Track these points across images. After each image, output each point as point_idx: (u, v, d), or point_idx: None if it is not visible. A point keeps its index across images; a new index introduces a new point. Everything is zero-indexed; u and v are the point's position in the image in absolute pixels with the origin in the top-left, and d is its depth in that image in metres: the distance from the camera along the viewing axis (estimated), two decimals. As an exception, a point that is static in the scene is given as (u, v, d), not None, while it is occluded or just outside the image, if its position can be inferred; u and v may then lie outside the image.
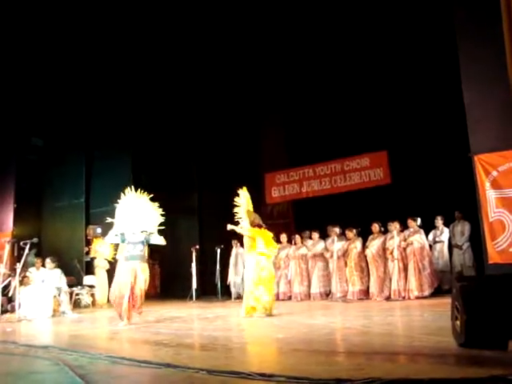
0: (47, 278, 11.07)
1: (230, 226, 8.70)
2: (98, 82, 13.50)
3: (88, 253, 14.19)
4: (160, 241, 8.08)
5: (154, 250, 13.10)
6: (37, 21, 11.06)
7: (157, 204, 8.25)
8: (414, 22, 10.65)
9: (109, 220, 8.25)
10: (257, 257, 8.23)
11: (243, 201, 8.87)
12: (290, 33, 11.61)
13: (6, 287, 10.60)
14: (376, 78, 11.86)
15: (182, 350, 4.93)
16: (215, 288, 12.81)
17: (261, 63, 12.61)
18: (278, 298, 11.89)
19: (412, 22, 10.68)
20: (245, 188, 9.04)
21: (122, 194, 8.23)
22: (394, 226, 10.27)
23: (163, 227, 8.22)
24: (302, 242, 11.94)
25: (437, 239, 10.53)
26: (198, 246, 13.22)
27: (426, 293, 9.83)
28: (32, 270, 11.39)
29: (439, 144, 10.90)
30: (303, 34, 11.55)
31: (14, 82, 12.99)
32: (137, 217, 7.97)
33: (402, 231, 10.35)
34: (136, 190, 8.23)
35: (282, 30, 11.54)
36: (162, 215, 8.23)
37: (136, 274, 7.56)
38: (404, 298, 9.90)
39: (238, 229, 8.65)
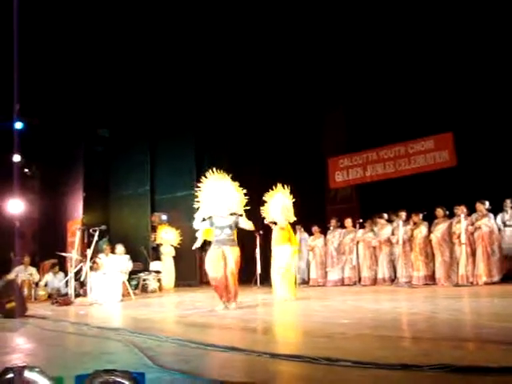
0: (116, 263, 11.46)
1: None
2: (159, 71, 13.71)
3: (154, 239, 14.56)
4: (248, 225, 7.79)
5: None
6: (99, 16, 11.33)
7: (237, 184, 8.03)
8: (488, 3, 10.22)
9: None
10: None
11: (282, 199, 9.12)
12: (351, 15, 11.39)
13: (78, 272, 11.06)
14: (440, 57, 11.49)
15: (247, 334, 5.00)
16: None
17: (322, 46, 12.43)
18: (342, 283, 11.88)
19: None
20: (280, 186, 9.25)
21: (204, 177, 8.02)
22: (461, 210, 9.99)
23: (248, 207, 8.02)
24: (371, 226, 11.83)
25: (508, 223, 10.13)
26: (261, 232, 13.29)
27: (496, 278, 9.53)
28: (101, 256, 11.82)
29: (507, 124, 10.47)
30: (365, 15, 11.30)
31: (80, 77, 13.39)
32: (223, 199, 7.71)
33: (469, 215, 10.05)
34: (199, 178, 8.26)
35: (342, 14, 11.34)
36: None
37: (225, 257, 7.36)
38: (472, 283, 9.64)
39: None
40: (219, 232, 7.48)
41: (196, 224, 7.86)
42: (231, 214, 7.60)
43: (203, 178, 8.04)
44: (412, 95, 12.13)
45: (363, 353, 3.52)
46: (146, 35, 12.14)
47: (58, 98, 14.29)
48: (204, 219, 7.74)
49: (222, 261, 7.32)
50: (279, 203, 9.09)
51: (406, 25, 11.29)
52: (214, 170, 8.02)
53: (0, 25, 10.05)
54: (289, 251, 8.91)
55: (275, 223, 9.09)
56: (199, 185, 8.01)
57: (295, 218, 9.28)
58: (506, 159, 10.45)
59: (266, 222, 9.21)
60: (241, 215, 7.77)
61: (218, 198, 7.72)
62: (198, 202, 7.89)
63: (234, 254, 7.39)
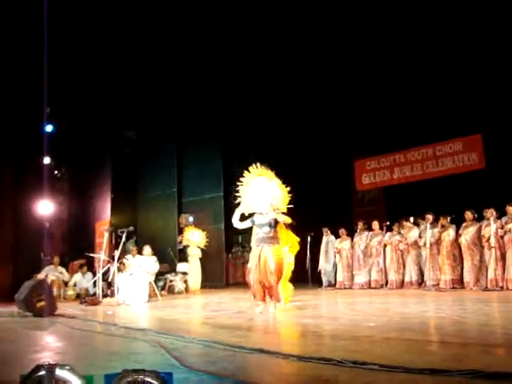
0: (143, 264, 11.56)
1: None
2: (187, 74, 13.80)
3: (181, 241, 14.63)
4: (286, 219, 7.38)
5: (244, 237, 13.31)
6: (128, 21, 11.47)
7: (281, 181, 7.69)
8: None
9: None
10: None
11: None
12: (375, 19, 11.34)
13: (106, 273, 11.19)
14: (468, 58, 11.32)
15: (274, 336, 4.99)
16: (306, 275, 12.82)
17: (343, 50, 12.37)
18: (369, 286, 11.79)
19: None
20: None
21: (247, 172, 7.71)
22: (491, 213, 9.82)
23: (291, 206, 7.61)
24: (398, 229, 11.70)
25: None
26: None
27: (526, 283, 9.34)
28: (128, 257, 11.94)
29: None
30: (390, 16, 11.23)
31: (108, 80, 13.56)
32: (263, 196, 7.37)
33: (498, 218, 9.87)
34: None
35: (365, 20, 11.32)
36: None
37: (265, 258, 6.98)
38: (502, 288, 9.46)
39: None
40: (258, 230, 7.22)
41: (235, 222, 7.54)
42: (271, 210, 7.24)
43: (246, 172, 7.74)
44: (441, 96, 11.98)
45: (390, 356, 3.50)
46: (175, 39, 12.24)
47: (86, 101, 14.50)
48: (244, 216, 7.46)
49: (259, 260, 6.98)
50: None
51: (436, 26, 11.16)
52: (258, 164, 7.75)
53: (30, 30, 10.27)
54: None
55: None
56: (240, 179, 7.73)
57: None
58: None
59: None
60: (282, 212, 7.41)
61: (259, 194, 7.44)
62: (238, 197, 7.64)
63: (273, 253, 7.03)
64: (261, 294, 7.08)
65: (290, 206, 7.63)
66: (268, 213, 7.21)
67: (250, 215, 7.45)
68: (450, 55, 11.52)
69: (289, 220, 7.41)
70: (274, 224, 7.20)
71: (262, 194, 7.42)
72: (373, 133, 14.01)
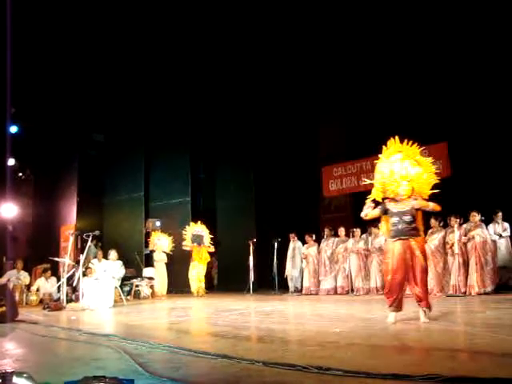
0: (109, 269, 11.41)
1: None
2: (155, 79, 13.74)
3: (147, 246, 14.50)
4: (434, 206, 6.17)
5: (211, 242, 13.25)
6: (97, 22, 11.35)
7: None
8: (482, 12, 10.29)
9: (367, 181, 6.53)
10: None
11: None
12: (345, 27, 11.47)
13: (71, 277, 11.01)
14: (435, 68, 11.54)
15: (239, 342, 4.97)
16: (272, 281, 12.84)
17: (318, 55, 12.48)
18: (335, 292, 11.84)
19: (479, 11, 10.32)
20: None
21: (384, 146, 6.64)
22: (454, 220, 9.98)
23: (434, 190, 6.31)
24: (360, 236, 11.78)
25: (503, 234, 10.09)
26: (255, 239, 13.26)
27: (489, 289, 9.51)
28: (94, 261, 11.76)
29: (501, 135, 10.51)
30: (363, 24, 11.37)
31: (75, 82, 13.39)
32: (402, 177, 6.18)
33: (461, 225, 10.03)
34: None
35: (337, 27, 11.44)
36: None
37: (412, 253, 5.81)
38: (464, 293, 9.62)
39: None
40: (397, 220, 5.94)
41: (365, 211, 6.26)
42: (412, 197, 6.06)
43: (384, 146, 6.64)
44: (406, 105, 12.15)
45: (355, 362, 3.51)
46: (146, 45, 12.19)
47: (53, 103, 14.28)
48: (376, 204, 6.26)
49: (405, 256, 5.81)
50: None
51: (403, 35, 11.36)
52: (396, 139, 6.56)
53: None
54: None
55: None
56: (376, 161, 6.70)
57: None
58: (498, 171, 10.47)
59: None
60: (424, 199, 6.19)
61: (398, 175, 6.24)
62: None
63: (421, 246, 5.93)
64: (402, 300, 6.03)
65: (435, 191, 6.39)
66: (408, 199, 6.06)
67: (382, 201, 6.24)
68: (418, 65, 11.73)
69: (438, 207, 6.18)
70: (417, 211, 6.04)
71: (403, 174, 6.23)
72: (340, 139, 14.13)
